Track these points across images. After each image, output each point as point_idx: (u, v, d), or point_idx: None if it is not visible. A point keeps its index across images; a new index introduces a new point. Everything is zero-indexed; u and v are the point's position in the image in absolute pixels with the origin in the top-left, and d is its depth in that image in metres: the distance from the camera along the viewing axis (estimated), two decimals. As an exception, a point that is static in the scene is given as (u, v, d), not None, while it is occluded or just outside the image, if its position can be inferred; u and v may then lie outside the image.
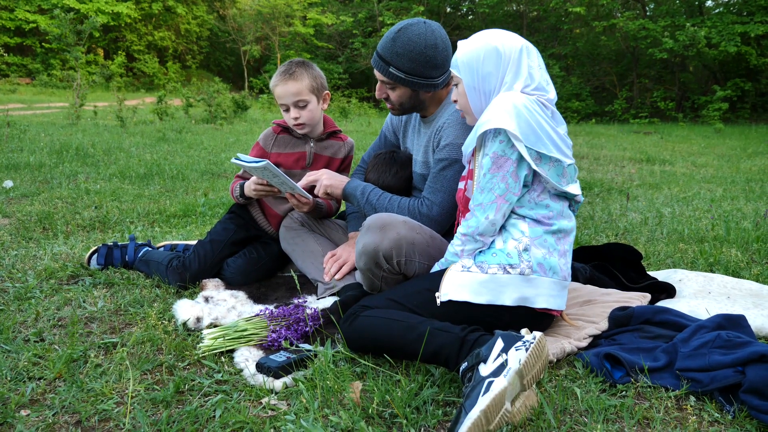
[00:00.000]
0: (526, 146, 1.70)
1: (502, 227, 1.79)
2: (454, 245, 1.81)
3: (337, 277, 2.24)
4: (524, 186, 1.77)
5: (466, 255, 1.78)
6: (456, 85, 1.90)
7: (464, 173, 1.91)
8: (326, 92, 2.46)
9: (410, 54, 2.04)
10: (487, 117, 1.73)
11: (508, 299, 1.71)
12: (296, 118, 2.39)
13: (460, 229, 1.80)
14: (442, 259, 1.86)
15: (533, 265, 1.71)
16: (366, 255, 1.94)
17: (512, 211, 1.79)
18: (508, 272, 1.71)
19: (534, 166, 1.72)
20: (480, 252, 1.77)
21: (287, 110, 2.40)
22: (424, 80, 2.09)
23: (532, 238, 1.74)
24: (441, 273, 1.79)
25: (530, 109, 1.71)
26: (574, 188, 1.84)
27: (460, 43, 1.88)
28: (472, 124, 1.93)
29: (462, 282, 1.72)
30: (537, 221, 1.77)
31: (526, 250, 1.72)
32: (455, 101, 1.93)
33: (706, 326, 1.73)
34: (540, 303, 1.73)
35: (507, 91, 1.78)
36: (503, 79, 1.80)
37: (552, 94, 1.83)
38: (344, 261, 2.27)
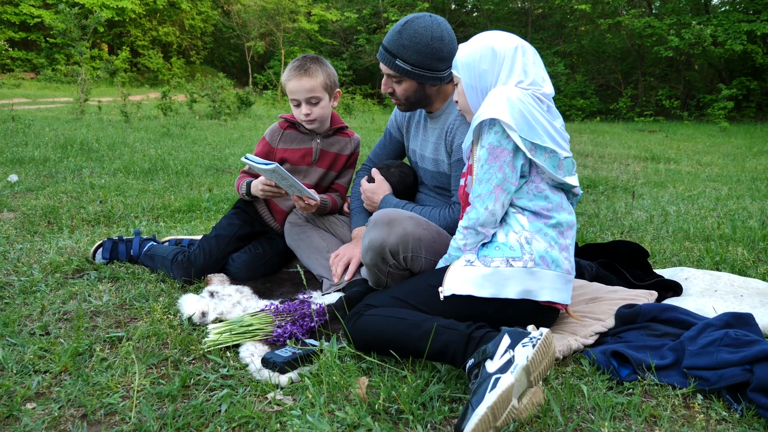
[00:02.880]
0: (520, 136, 1.73)
1: (502, 220, 1.80)
2: (457, 240, 1.82)
3: (346, 277, 2.23)
4: (521, 177, 1.79)
5: (469, 249, 1.78)
6: (456, 85, 1.94)
7: (464, 170, 1.93)
8: (338, 90, 2.46)
9: (417, 46, 2.04)
10: (481, 110, 1.77)
11: (511, 292, 1.70)
12: (307, 114, 2.38)
13: (461, 223, 1.81)
14: (446, 255, 1.86)
15: (536, 258, 1.72)
16: (372, 250, 1.94)
17: (511, 204, 1.80)
18: (511, 265, 1.71)
19: (530, 156, 1.75)
20: (483, 246, 1.78)
21: (298, 105, 2.39)
22: (431, 73, 2.09)
23: (532, 232, 1.75)
24: (445, 269, 1.79)
25: (523, 101, 1.75)
26: (572, 180, 1.86)
27: (460, 46, 1.93)
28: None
29: (465, 276, 1.72)
30: (536, 214, 1.78)
31: (527, 242, 1.74)
32: (456, 101, 1.97)
33: (714, 324, 1.72)
34: (544, 296, 1.73)
35: (501, 86, 1.82)
36: (498, 76, 1.85)
37: (548, 89, 1.86)
38: (349, 258, 2.27)
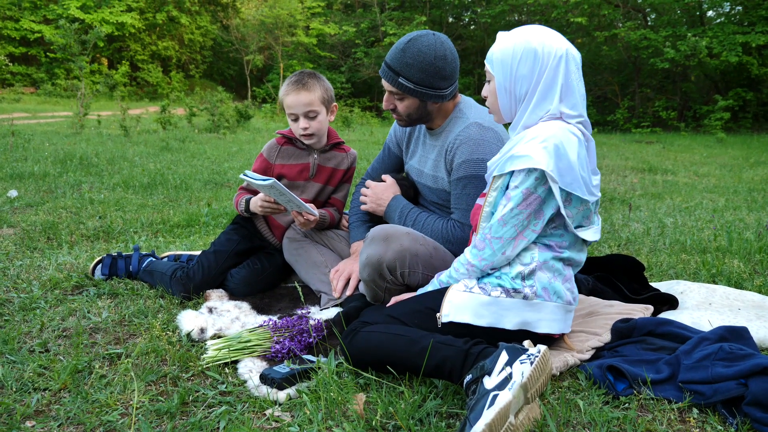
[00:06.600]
0: (560, 187, 1.65)
1: None
2: (459, 273, 1.77)
3: (348, 292, 2.24)
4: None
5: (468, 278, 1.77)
6: (488, 81, 1.82)
7: (486, 190, 1.84)
8: (334, 104, 2.49)
9: (420, 65, 2.05)
10: (525, 151, 1.65)
11: (509, 323, 1.70)
12: (305, 129, 2.41)
13: (470, 258, 1.74)
14: (442, 278, 1.82)
15: (537, 290, 1.70)
16: (370, 266, 1.95)
17: None
18: (512, 296, 1.69)
19: (562, 210, 1.68)
20: None
21: (296, 120, 2.42)
22: (433, 91, 2.10)
23: (540, 263, 1.72)
24: (442, 292, 1.77)
25: (571, 148, 1.64)
26: (592, 234, 1.78)
27: (500, 36, 1.77)
28: (500, 122, 1.90)
29: (464, 303, 1.70)
30: (548, 246, 1.75)
31: (531, 274, 1.71)
32: (485, 98, 1.86)
33: (709, 338, 1.73)
34: (542, 328, 1.72)
35: (548, 119, 1.71)
36: (538, 87, 1.70)
37: (584, 110, 1.75)
38: (349, 274, 2.28)
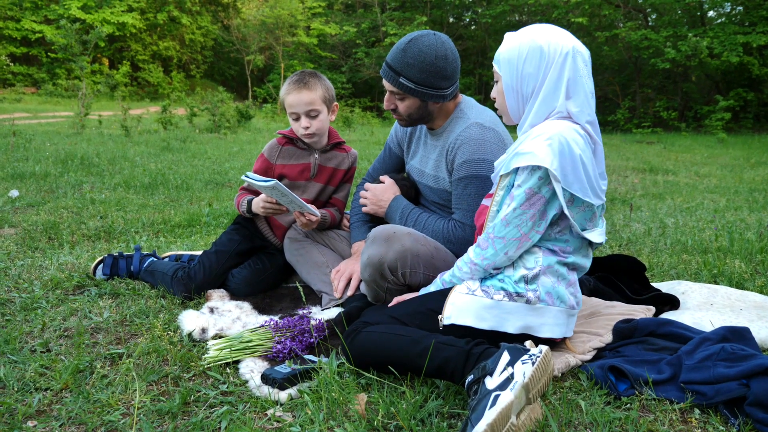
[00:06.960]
0: (562, 188, 1.64)
1: None
2: (462, 272, 1.77)
3: (348, 292, 2.24)
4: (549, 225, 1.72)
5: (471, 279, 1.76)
6: (496, 82, 1.81)
7: (492, 190, 1.83)
8: (335, 104, 2.49)
9: (421, 64, 2.05)
10: (529, 148, 1.64)
11: (511, 327, 1.69)
12: (307, 128, 2.41)
13: (473, 257, 1.74)
14: (445, 278, 1.82)
15: (541, 294, 1.69)
16: (371, 266, 1.95)
17: None
18: (514, 300, 1.69)
19: (565, 210, 1.67)
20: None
21: (297, 119, 2.42)
22: (434, 91, 2.10)
23: (544, 267, 1.71)
24: (444, 293, 1.77)
25: (575, 148, 1.63)
26: (597, 236, 1.76)
27: (507, 36, 1.77)
28: (509, 123, 1.89)
29: (466, 306, 1.70)
30: (552, 251, 1.74)
31: (535, 278, 1.70)
32: (493, 98, 1.86)
33: (711, 338, 1.73)
34: (544, 333, 1.71)
35: (556, 119, 1.69)
36: (543, 85, 1.69)
37: (593, 112, 1.73)
38: (350, 274, 2.28)
